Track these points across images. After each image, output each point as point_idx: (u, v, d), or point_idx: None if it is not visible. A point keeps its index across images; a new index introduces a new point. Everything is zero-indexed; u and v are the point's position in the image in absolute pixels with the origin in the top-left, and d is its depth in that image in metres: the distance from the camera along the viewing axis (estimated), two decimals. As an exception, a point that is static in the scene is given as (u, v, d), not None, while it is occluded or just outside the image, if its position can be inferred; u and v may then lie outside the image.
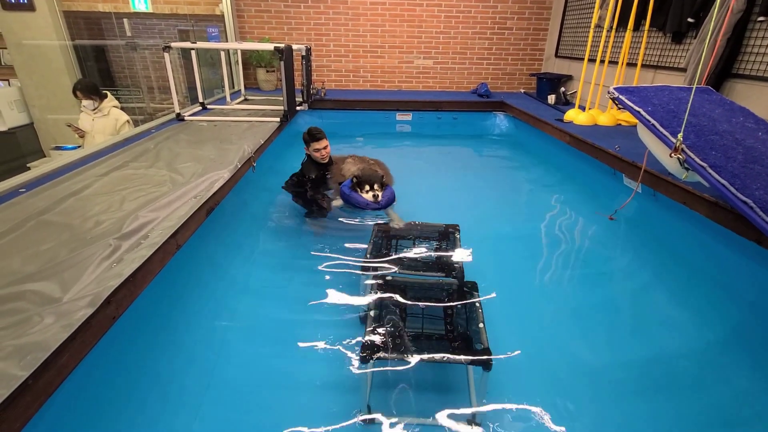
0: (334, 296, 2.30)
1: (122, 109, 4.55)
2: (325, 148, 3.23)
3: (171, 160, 3.24)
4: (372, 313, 1.96)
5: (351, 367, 1.82)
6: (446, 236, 2.72)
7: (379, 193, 2.93)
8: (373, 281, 2.22)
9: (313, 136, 3.19)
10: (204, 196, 2.60)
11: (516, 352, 2.01)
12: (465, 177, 4.70)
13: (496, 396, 1.78)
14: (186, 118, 4.79)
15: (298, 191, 3.27)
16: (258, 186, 3.73)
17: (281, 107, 5.02)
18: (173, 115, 4.79)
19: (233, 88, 6.98)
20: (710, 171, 2.41)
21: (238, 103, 5.91)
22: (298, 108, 5.67)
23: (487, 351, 1.71)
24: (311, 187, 3.26)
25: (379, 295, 2.11)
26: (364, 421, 1.64)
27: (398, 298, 2.10)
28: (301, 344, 2.00)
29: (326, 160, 3.31)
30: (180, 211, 2.37)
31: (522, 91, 7.80)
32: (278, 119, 4.83)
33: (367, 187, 2.95)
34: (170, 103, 4.87)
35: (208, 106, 5.51)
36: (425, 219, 2.90)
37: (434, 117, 6.57)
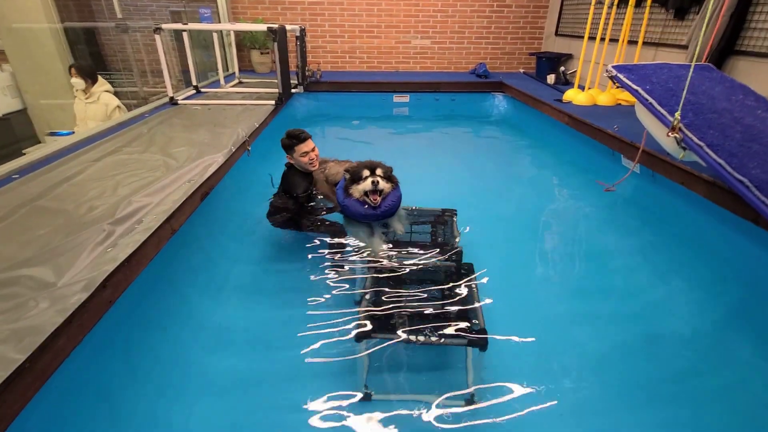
0: (333, 288, 2.31)
1: (115, 93, 4.52)
2: (313, 149, 2.70)
3: (165, 145, 3.23)
4: (368, 295, 1.98)
5: (348, 353, 1.86)
6: (443, 220, 2.73)
7: (381, 181, 2.40)
8: (370, 265, 2.26)
9: (296, 137, 2.62)
10: (198, 180, 2.59)
11: (513, 337, 2.04)
12: (463, 159, 4.67)
13: (492, 376, 1.81)
14: (179, 101, 4.77)
15: (292, 218, 2.69)
16: (253, 170, 3.71)
17: (276, 90, 5.00)
18: (166, 99, 4.76)
19: (227, 70, 6.93)
20: (707, 150, 2.41)
21: (233, 86, 5.87)
22: (293, 90, 5.63)
23: (482, 331, 1.73)
24: (304, 209, 2.74)
25: (375, 276, 2.14)
26: (361, 399, 1.69)
27: (395, 282, 2.11)
28: (299, 334, 2.00)
29: (316, 166, 2.76)
30: (174, 195, 2.37)
31: (521, 71, 7.73)
32: (273, 102, 4.81)
33: (366, 173, 2.44)
34: (163, 87, 4.84)
35: (202, 90, 5.47)
36: (422, 203, 2.87)
37: (432, 98, 6.53)
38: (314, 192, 2.83)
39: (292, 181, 2.74)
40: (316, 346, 1.90)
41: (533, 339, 2.04)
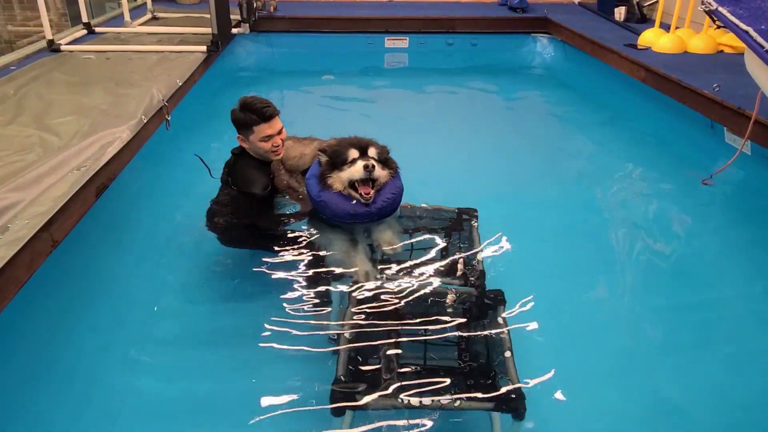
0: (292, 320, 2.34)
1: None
2: (280, 132, 2.66)
3: (41, 113, 3.18)
4: (347, 334, 1.99)
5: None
6: (459, 225, 2.74)
7: (374, 165, 2.40)
8: (352, 290, 2.28)
9: (258, 113, 2.57)
10: (92, 167, 2.55)
11: (558, 395, 2.04)
12: (487, 134, 4.65)
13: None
14: (63, 47, 4.70)
15: (249, 231, 2.70)
16: (176, 150, 3.67)
17: (208, 30, 4.93)
18: (43, 44, 4.70)
19: (134, 0, 6.86)
20: None
21: (143, 24, 5.82)
22: (234, 31, 5.58)
23: (517, 392, 1.73)
24: (268, 217, 2.75)
25: (360, 309, 2.15)
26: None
27: (388, 314, 2.13)
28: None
29: (281, 155, 2.75)
30: (55, 190, 2.33)
31: (576, 1, 7.78)
32: (204, 48, 4.75)
33: (354, 154, 2.43)
34: (38, 26, 4.79)
35: (97, 30, 5.41)
36: (430, 200, 2.86)
37: (443, 42, 6.55)
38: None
39: (247, 175, 2.72)
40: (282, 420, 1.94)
41: (587, 398, 2.06)
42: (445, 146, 4.49)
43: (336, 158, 2.48)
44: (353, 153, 2.45)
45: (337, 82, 5.87)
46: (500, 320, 2.07)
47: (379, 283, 2.34)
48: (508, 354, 1.88)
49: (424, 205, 2.87)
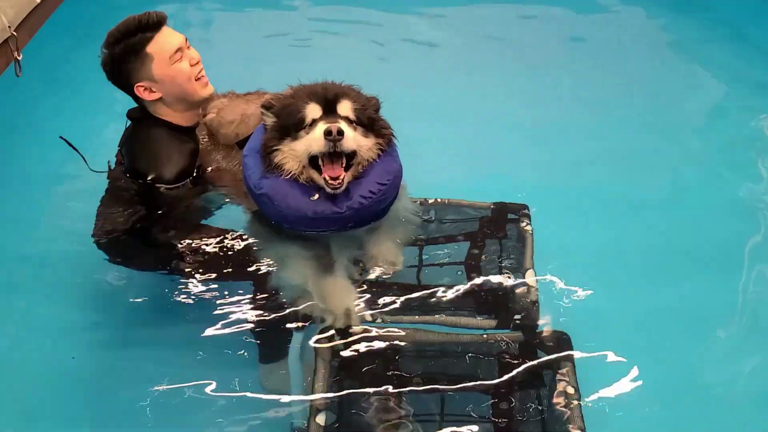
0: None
1: None
2: (189, 48, 2.28)
3: None
4: (322, 418, 1.69)
5: None
6: (498, 228, 2.36)
7: (348, 131, 1.92)
8: (327, 343, 1.90)
9: (140, 23, 2.18)
10: None
11: None
12: (542, 87, 3.88)
13: None
14: None
15: (157, 243, 2.29)
16: (30, 115, 3.11)
17: None
18: None
19: None
20: None
21: None
22: None
23: None
24: (183, 225, 2.31)
25: (339, 372, 1.85)
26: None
27: (382, 378, 1.84)
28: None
29: (209, 86, 2.33)
30: None
31: None
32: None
33: (314, 112, 1.97)
34: None
35: None
36: (455, 191, 2.44)
37: None
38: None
39: (153, 150, 2.27)
40: None
41: None
42: (477, 106, 3.68)
43: (287, 119, 1.98)
44: (313, 110, 1.95)
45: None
46: (570, 390, 1.74)
47: (366, 325, 1.99)
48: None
49: (442, 199, 2.47)
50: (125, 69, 2.16)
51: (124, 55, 2.14)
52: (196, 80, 2.23)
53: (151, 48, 2.14)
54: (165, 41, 2.16)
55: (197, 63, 2.25)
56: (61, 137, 2.42)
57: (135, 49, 2.13)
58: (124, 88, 2.22)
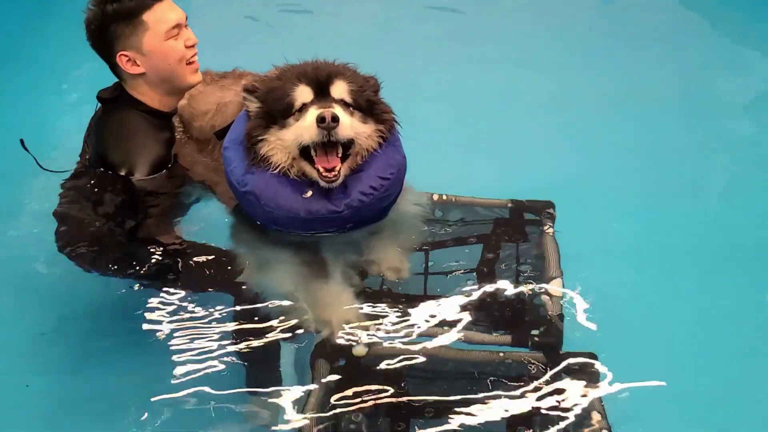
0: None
1: None
2: (187, 26, 2.18)
3: None
4: None
5: None
6: (518, 230, 2.28)
7: (344, 117, 1.81)
8: (324, 364, 1.79)
9: None
10: None
11: None
12: (575, 63, 3.73)
13: None
14: None
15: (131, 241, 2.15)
16: None
17: None
18: None
19: None
20: None
21: None
22: None
23: None
24: (157, 227, 2.19)
25: (337, 405, 1.70)
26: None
27: (388, 406, 1.72)
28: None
29: (198, 73, 2.23)
30: None
31: None
32: None
33: (304, 95, 1.85)
34: None
35: None
36: (467, 187, 2.33)
37: None
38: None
39: (128, 135, 2.15)
40: None
41: None
42: (495, 91, 3.50)
43: (273, 104, 1.87)
44: (303, 92, 1.83)
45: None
46: (597, 417, 1.66)
47: (367, 341, 1.88)
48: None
49: (450, 196, 2.35)
50: (112, 32, 2.04)
51: (116, 16, 2.02)
52: (187, 64, 2.13)
53: (147, 16, 2.02)
54: (164, 13, 2.06)
55: (192, 46, 2.15)
56: (21, 141, 2.29)
57: (130, 12, 2.02)
58: (104, 55, 2.08)
